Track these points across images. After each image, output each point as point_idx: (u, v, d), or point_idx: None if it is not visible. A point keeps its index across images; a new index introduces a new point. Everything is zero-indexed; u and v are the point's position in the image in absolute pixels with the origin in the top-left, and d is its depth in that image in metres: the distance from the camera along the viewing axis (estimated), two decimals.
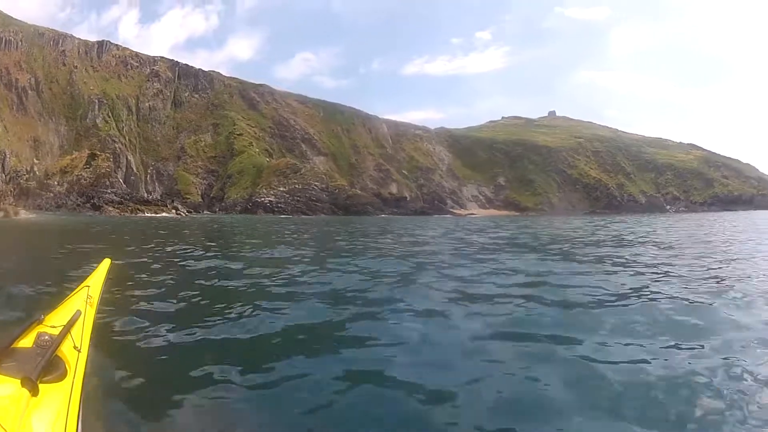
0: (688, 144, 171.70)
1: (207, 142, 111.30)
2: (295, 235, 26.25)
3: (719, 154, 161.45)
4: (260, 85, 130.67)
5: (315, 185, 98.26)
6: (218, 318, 6.44)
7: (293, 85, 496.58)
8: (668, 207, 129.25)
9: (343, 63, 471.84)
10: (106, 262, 4.42)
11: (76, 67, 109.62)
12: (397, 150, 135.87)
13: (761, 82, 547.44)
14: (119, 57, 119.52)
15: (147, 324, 6.06)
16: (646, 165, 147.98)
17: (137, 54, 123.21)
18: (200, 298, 7.97)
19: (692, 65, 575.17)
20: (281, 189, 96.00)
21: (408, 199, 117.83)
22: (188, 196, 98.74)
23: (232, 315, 6.60)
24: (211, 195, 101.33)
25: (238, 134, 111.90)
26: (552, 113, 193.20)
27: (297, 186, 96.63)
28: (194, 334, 5.74)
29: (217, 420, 3.78)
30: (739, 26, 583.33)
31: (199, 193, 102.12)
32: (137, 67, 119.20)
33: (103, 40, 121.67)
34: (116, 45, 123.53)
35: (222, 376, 4.48)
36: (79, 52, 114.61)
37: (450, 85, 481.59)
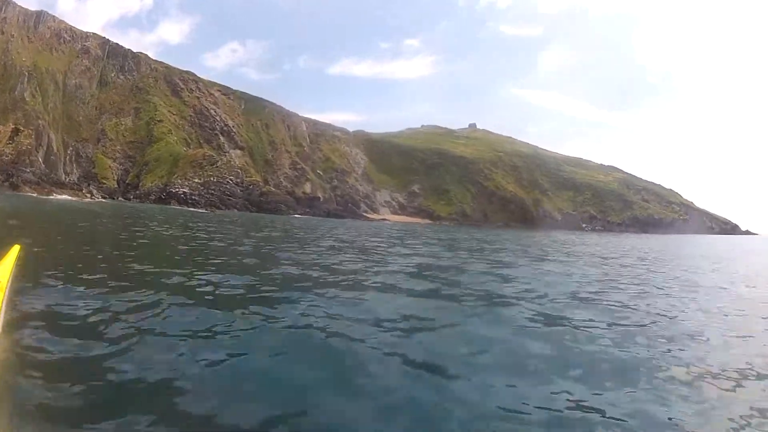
0: (609, 166, 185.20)
1: (127, 125, 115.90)
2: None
3: (641, 178, 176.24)
4: (186, 72, 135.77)
5: (230, 179, 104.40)
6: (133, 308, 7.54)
7: (219, 74, 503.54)
8: (584, 225, 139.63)
9: (269, 57, 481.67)
10: (16, 249, 5.16)
11: (12, 36, 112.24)
12: (314, 149, 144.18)
13: (696, 113, 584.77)
14: (54, 29, 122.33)
15: (57, 309, 6.96)
16: (565, 183, 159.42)
17: (71, 28, 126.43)
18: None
19: (622, 90, 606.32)
20: (196, 180, 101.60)
21: (321, 199, 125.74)
22: (104, 181, 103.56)
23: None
24: (127, 181, 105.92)
25: (158, 120, 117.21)
26: (473, 125, 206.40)
27: (212, 179, 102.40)
28: (103, 321, 6.67)
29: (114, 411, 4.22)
30: (670, 52, 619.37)
31: (116, 178, 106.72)
32: (69, 41, 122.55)
33: (41, 10, 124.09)
34: (53, 16, 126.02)
35: (126, 367, 5.19)
36: (18, 20, 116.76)
37: (374, 89, 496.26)
